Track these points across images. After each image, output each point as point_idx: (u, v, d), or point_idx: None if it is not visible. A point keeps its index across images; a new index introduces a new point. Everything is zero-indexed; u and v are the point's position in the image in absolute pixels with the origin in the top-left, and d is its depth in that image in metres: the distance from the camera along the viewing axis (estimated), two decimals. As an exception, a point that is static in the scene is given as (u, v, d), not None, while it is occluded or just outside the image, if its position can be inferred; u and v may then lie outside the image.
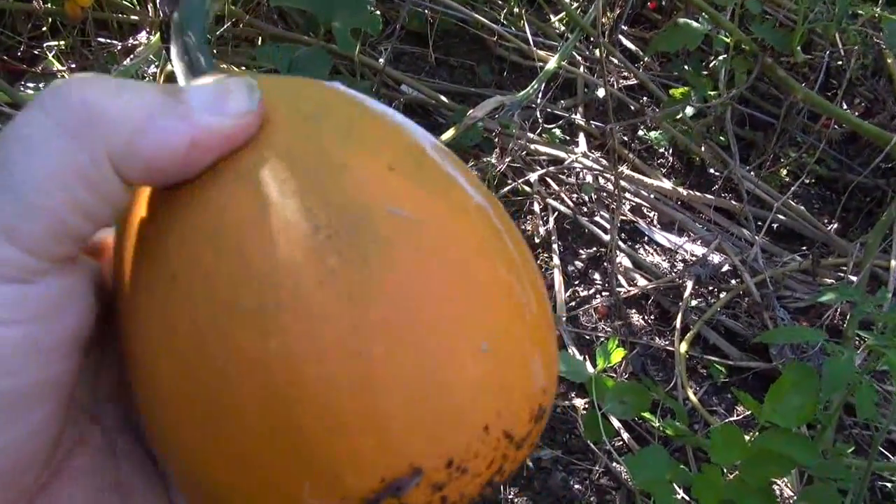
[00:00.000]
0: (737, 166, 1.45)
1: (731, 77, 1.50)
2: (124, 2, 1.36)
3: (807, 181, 1.58)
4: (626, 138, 1.57)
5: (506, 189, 1.37)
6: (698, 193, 1.48)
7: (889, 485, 1.06)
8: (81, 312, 0.23)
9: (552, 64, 1.35)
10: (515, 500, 1.03)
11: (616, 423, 1.08)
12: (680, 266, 1.36)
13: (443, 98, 1.49)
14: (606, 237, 1.34)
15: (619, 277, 1.32)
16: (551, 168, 1.43)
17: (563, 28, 1.72)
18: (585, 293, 1.31)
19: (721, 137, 1.55)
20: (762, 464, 0.73)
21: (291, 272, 0.21)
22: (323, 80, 0.27)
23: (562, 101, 1.63)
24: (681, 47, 1.34)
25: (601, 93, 1.56)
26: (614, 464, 1.06)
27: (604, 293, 1.30)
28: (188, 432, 0.22)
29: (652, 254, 1.40)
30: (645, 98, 1.64)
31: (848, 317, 1.15)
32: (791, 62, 1.41)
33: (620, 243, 1.36)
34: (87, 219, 0.21)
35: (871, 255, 1.15)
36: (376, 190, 0.23)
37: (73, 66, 1.32)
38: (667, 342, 1.25)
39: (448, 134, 1.25)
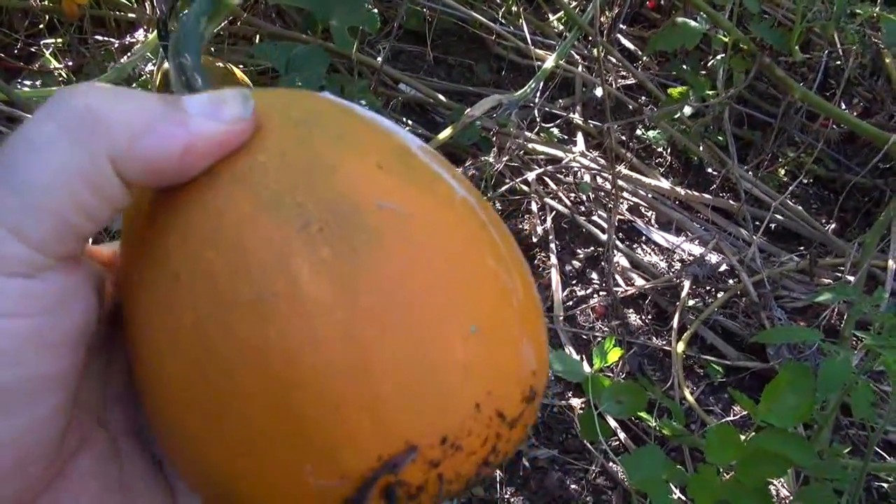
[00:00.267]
0: (735, 166, 1.45)
1: (730, 76, 1.50)
2: (121, -1, 1.35)
3: (805, 181, 1.58)
4: (624, 137, 1.57)
5: (503, 188, 1.37)
6: (696, 193, 1.48)
7: (885, 485, 1.06)
8: (84, 309, 0.24)
9: (550, 63, 1.35)
10: (512, 499, 1.03)
11: (613, 423, 1.08)
12: (677, 266, 1.36)
13: (441, 97, 1.49)
14: (604, 237, 1.34)
15: (617, 277, 1.32)
16: (549, 167, 1.43)
17: (561, 27, 1.72)
18: (583, 292, 1.31)
19: (719, 137, 1.55)
20: (758, 464, 0.73)
21: (287, 264, 0.22)
22: (313, 91, 0.29)
23: (560, 101, 1.63)
24: (679, 46, 1.34)
25: (599, 92, 1.56)
26: (611, 463, 1.06)
27: (601, 293, 1.30)
28: (194, 423, 0.23)
29: (649, 253, 1.40)
30: (643, 97, 1.64)
31: (845, 317, 1.15)
32: (789, 62, 1.41)
33: (618, 243, 1.36)
34: (88, 218, 0.23)
35: (868, 255, 1.15)
36: (366, 186, 0.24)
37: (70, 63, 1.31)
38: (664, 342, 1.25)
39: (446, 132, 1.25)
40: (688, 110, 1.50)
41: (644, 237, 1.42)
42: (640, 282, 1.32)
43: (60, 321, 0.23)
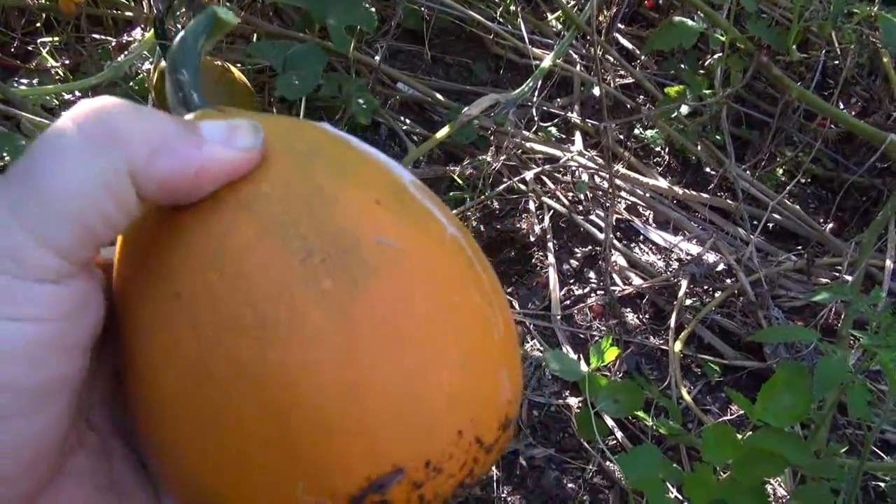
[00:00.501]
0: (732, 165, 1.45)
1: (727, 76, 1.50)
2: (118, -2, 1.35)
3: (802, 180, 1.58)
4: (621, 137, 1.57)
5: (501, 187, 1.37)
6: (694, 192, 1.48)
7: (882, 484, 1.06)
8: (97, 313, 0.25)
9: (547, 62, 1.35)
10: (508, 498, 1.03)
11: (610, 422, 1.08)
12: (675, 265, 1.36)
13: (439, 96, 1.49)
14: (601, 236, 1.33)
15: (614, 276, 1.32)
16: (547, 166, 1.43)
17: (559, 26, 1.72)
18: (580, 292, 1.31)
19: (717, 136, 1.55)
20: (755, 463, 0.73)
21: (290, 292, 0.24)
22: (310, 121, 0.31)
23: (558, 100, 1.62)
24: (676, 45, 1.34)
25: (597, 91, 1.56)
26: (608, 463, 1.06)
27: (598, 292, 1.30)
28: (188, 438, 0.24)
29: (647, 253, 1.40)
30: (641, 96, 1.64)
31: (842, 316, 1.15)
32: (787, 61, 1.41)
33: (615, 242, 1.36)
34: (108, 226, 0.23)
35: (866, 255, 1.15)
36: (365, 221, 0.25)
37: (67, 62, 1.31)
38: (661, 341, 1.25)
39: (443, 131, 1.25)
40: (685, 109, 1.50)
41: (642, 236, 1.42)
42: (637, 281, 1.32)
43: (78, 325, 0.24)
